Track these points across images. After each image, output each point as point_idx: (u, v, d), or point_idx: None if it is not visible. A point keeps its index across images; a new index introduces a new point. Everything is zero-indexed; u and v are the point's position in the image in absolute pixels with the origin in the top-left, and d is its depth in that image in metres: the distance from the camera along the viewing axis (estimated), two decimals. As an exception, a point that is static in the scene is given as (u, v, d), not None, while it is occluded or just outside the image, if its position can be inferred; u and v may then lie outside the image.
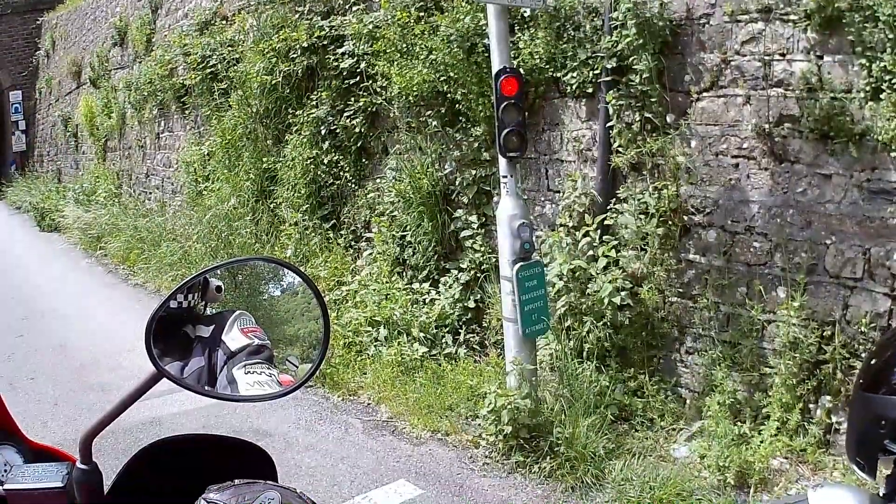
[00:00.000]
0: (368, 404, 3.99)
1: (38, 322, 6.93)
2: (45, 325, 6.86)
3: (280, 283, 1.12)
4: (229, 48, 6.85)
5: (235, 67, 6.63)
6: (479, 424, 3.54)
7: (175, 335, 1.08)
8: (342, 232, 5.01)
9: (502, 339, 3.53)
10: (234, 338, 1.05)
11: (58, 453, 1.27)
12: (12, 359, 5.58)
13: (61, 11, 18.79)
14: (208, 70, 7.18)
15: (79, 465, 1.04)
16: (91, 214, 10.71)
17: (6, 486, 1.07)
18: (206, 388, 1.04)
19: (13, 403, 1.29)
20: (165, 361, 1.04)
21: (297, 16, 5.58)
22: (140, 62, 10.14)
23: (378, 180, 4.67)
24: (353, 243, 4.90)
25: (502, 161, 3.25)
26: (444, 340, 4.11)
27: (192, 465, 1.09)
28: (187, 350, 1.07)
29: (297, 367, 1.06)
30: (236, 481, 0.93)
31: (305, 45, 5.29)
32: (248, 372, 1.02)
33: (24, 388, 4.89)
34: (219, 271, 1.11)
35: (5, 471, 1.20)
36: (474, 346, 4.10)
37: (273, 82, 5.71)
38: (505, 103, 3.15)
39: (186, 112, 8.33)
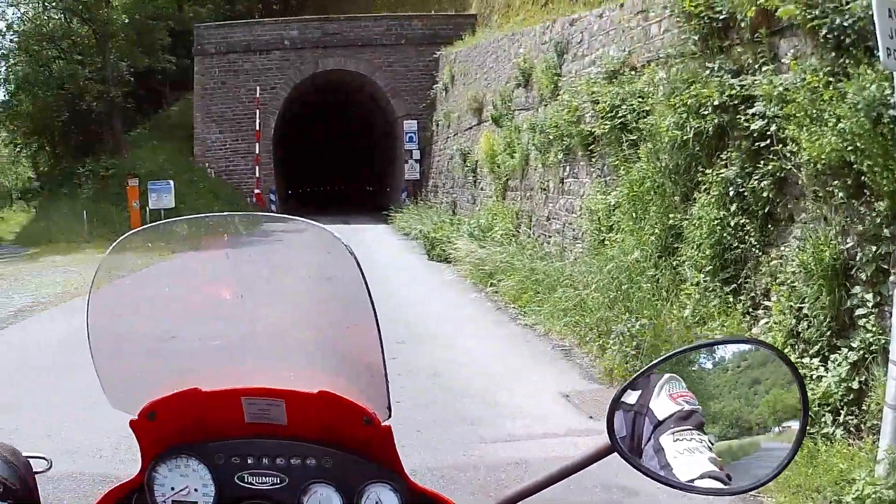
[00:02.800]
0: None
1: (416, 347, 8.30)
2: (422, 350, 8.27)
3: (712, 357, 1.23)
4: (639, 99, 8.54)
5: (645, 119, 8.25)
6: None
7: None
8: (741, 297, 6.08)
9: (880, 424, 4.16)
10: (662, 404, 1.14)
11: (443, 501, 1.41)
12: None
13: (461, 48, 22.96)
14: (617, 119, 8.93)
15: None
16: (485, 250, 13.03)
17: None
18: (657, 461, 1.12)
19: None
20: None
21: (707, 72, 6.95)
22: (545, 105, 12.50)
23: (782, 248, 5.72)
24: (750, 310, 5.99)
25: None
26: (823, 420, 4.74)
27: None
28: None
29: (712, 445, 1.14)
30: None
31: (717, 102, 6.64)
32: (678, 439, 1.11)
33: (390, 412, 6.75)
34: (695, 353, 1.25)
35: None
36: (851, 428, 4.69)
37: (684, 138, 7.18)
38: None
39: (593, 160, 10.24)
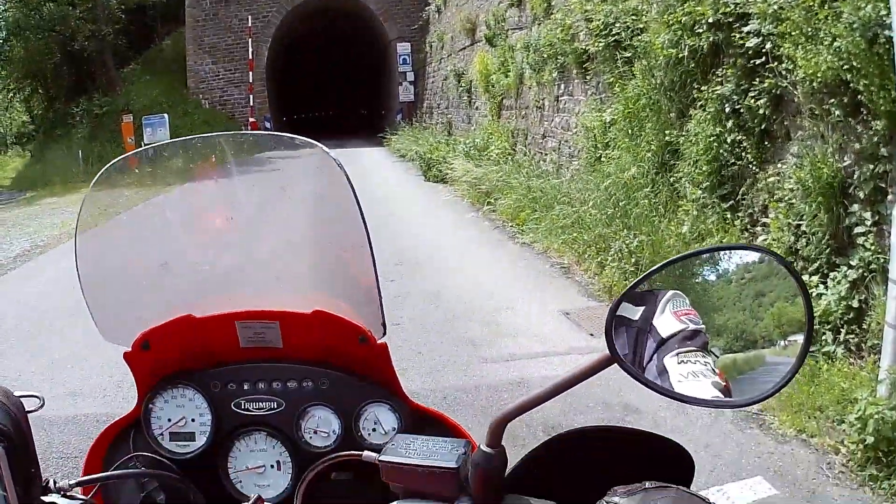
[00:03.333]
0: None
1: (414, 269, 8.31)
2: (420, 273, 8.24)
3: (716, 268, 1.19)
4: (633, 17, 8.46)
5: (639, 37, 8.21)
6: (844, 430, 4.05)
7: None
8: (739, 214, 6.12)
9: (881, 344, 4.11)
10: (665, 322, 1.11)
11: (443, 420, 1.41)
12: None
13: (452, -32, 22.51)
14: (612, 37, 8.87)
15: (483, 447, 1.11)
16: (482, 170, 12.97)
17: (383, 458, 1.17)
18: (660, 383, 1.08)
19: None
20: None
21: (701, -11, 6.89)
22: (539, 24, 12.36)
23: (779, 165, 5.73)
24: (749, 227, 6.03)
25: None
26: (823, 338, 4.71)
27: (600, 460, 1.21)
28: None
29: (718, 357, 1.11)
30: (647, 484, 0.98)
31: (711, 20, 6.60)
32: (682, 361, 1.08)
33: (388, 334, 6.83)
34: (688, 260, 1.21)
35: (374, 430, 1.41)
36: (851, 347, 4.68)
37: (679, 56, 7.14)
38: (906, 99, 3.80)
39: (588, 77, 10.20)
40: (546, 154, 12.47)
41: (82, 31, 26.66)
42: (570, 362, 5.33)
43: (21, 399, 1.18)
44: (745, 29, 6.08)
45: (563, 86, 11.49)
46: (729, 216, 6.33)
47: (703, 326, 1.12)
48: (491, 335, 6.18)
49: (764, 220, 5.91)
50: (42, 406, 1.22)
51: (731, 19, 6.34)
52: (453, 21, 20.99)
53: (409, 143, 20.61)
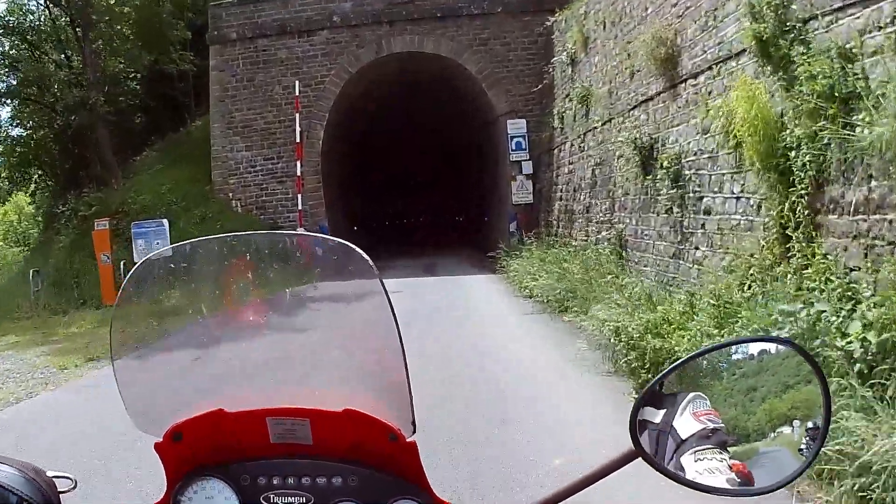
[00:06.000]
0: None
1: None
2: None
3: (728, 358, 1.23)
4: None
5: None
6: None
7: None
8: None
9: None
10: (685, 423, 1.15)
11: None
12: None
13: (589, -1, 13.95)
14: None
15: None
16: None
17: None
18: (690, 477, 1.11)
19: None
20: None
21: None
22: None
23: None
24: None
25: None
26: None
27: None
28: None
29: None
30: None
31: None
32: (699, 459, 1.13)
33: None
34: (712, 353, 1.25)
35: None
36: None
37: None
38: None
39: None
40: None
41: (65, 99, 18.54)
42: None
43: (53, 479, 1.18)
44: None
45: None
46: None
47: (722, 426, 1.15)
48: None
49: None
50: (74, 487, 1.21)
51: None
52: (611, 64, 12.27)
53: (546, 276, 11.74)
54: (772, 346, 1.21)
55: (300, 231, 18.69)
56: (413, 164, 32.35)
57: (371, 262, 1.32)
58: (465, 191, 28.75)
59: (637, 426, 1.14)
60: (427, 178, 33.21)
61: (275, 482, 1.40)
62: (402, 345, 1.31)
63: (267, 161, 19.87)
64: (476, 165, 25.15)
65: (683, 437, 1.13)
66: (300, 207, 19.17)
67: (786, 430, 1.15)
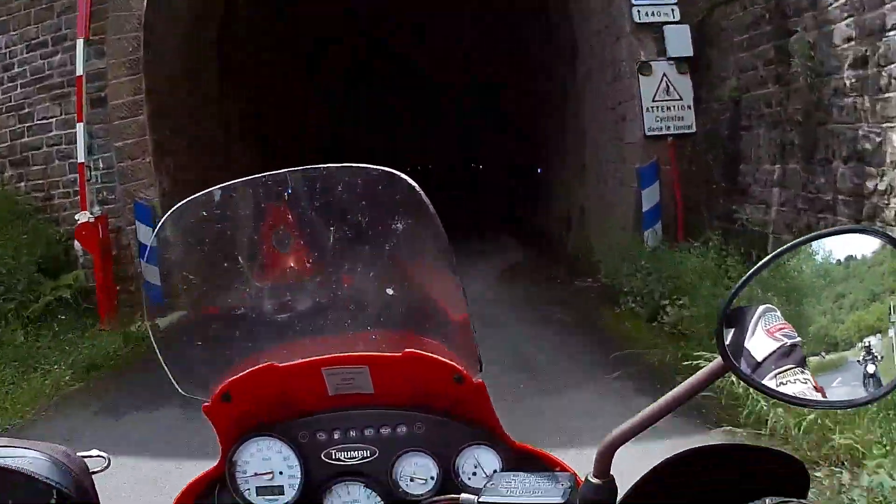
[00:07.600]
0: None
1: None
2: None
3: (815, 262, 1.05)
4: None
5: None
6: None
7: None
8: None
9: None
10: (758, 344, 1.03)
11: (548, 459, 1.30)
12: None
13: None
14: None
15: (590, 477, 1.07)
16: None
17: (483, 499, 1.11)
18: (786, 390, 1.00)
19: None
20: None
21: None
22: None
23: None
24: None
25: None
26: None
27: (714, 480, 1.13)
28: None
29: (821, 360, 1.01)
30: (767, 500, 0.99)
31: None
32: (781, 383, 1.01)
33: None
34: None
35: (474, 474, 1.28)
36: None
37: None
38: None
39: None
40: None
41: None
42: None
43: (85, 459, 1.12)
44: None
45: None
46: None
47: (798, 339, 1.02)
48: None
49: None
50: (108, 466, 1.14)
51: None
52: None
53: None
54: (860, 238, 1.02)
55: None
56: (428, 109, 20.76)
57: (420, 190, 1.22)
58: (525, 152, 16.97)
59: (724, 338, 0.98)
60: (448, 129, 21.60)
61: (335, 437, 1.31)
62: (458, 278, 1.22)
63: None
64: (547, 106, 13.78)
65: (759, 360, 0.99)
66: (88, 177, 8.10)
67: (873, 340, 0.99)
